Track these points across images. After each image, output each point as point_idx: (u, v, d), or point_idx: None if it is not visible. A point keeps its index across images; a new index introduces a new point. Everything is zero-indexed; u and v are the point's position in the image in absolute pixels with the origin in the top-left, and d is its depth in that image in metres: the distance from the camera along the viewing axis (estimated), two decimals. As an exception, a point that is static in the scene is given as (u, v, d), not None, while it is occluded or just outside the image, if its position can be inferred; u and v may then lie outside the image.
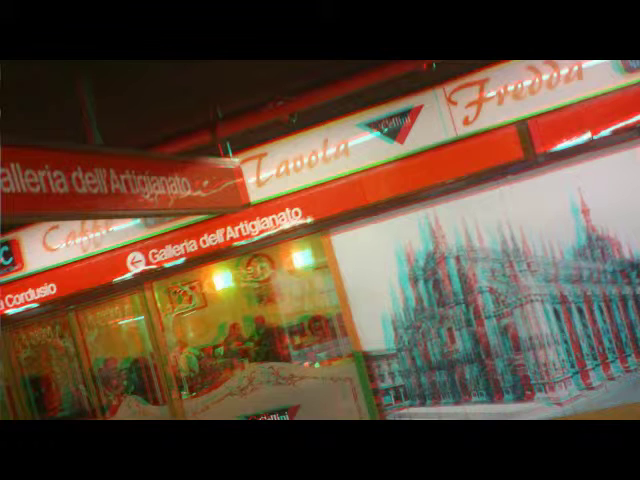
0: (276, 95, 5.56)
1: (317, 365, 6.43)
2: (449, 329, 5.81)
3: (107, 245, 6.90)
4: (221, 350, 6.81)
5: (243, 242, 6.33)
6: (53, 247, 7.13)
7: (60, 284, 7.11)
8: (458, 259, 5.73)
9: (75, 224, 6.96)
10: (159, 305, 6.97)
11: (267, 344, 6.65)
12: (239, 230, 6.30)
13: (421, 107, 5.70)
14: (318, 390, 6.32)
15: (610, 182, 5.28)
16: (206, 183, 4.87)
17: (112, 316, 7.31)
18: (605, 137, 5.22)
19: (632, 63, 5.14)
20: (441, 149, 5.64)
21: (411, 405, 5.97)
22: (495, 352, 5.66)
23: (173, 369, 6.90)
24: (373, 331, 6.00)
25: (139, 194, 4.14)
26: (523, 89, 5.41)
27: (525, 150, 5.39)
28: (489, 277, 5.64)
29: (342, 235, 6.08)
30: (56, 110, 4.66)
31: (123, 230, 6.82)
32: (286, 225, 6.15)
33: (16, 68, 3.53)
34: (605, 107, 5.19)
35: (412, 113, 5.73)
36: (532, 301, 5.52)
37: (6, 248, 7.31)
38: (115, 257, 6.82)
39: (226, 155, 5.59)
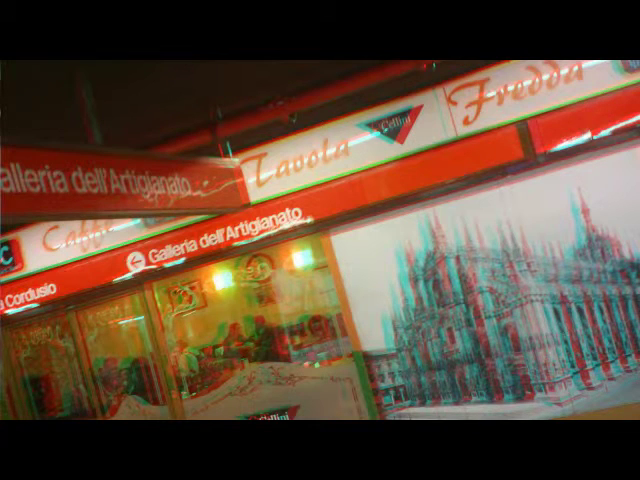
0: (276, 95, 5.56)
1: (317, 365, 6.43)
2: (449, 329, 5.81)
3: (107, 245, 6.90)
4: (221, 350, 6.81)
5: (243, 242, 6.33)
6: (53, 247, 7.13)
7: (60, 284, 7.11)
8: (458, 259, 5.73)
9: (75, 224, 6.96)
10: (159, 305, 6.96)
11: (267, 344, 6.65)
12: (239, 230, 6.30)
13: (421, 107, 5.70)
14: (318, 390, 6.32)
15: (610, 182, 5.28)
16: (206, 183, 4.87)
17: (112, 316, 7.31)
18: (605, 137, 5.22)
19: (632, 63, 5.14)
20: (441, 149, 5.64)
21: (411, 405, 5.97)
22: (495, 352, 5.66)
23: (173, 369, 6.90)
24: (373, 331, 6.00)
25: (139, 194, 4.14)
26: (523, 89, 5.41)
27: (525, 150, 5.39)
28: (489, 277, 5.64)
29: (342, 235, 6.08)
30: (56, 110, 4.66)
31: (123, 230, 6.82)
32: (286, 225, 6.15)
33: (16, 68, 3.52)
34: (605, 107, 5.20)
35: (412, 113, 5.73)
36: (532, 301, 5.52)
37: (6, 248, 7.31)
38: (115, 257, 6.82)
39: (226, 155, 5.59)
